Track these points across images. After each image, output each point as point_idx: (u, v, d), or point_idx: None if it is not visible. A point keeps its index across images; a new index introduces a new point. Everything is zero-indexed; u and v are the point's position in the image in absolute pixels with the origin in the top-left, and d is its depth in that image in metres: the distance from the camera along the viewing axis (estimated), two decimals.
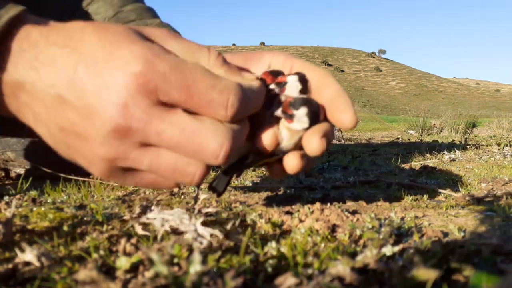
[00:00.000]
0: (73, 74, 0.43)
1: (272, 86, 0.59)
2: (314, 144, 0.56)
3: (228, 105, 0.46)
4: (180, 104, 0.45)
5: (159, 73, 0.43)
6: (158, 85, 0.43)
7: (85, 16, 0.80)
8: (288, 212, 0.74)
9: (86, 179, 0.99)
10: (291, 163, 0.59)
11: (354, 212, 0.77)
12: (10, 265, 0.46)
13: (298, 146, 0.60)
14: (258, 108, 0.53)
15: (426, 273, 0.37)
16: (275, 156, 0.60)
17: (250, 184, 1.09)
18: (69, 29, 0.45)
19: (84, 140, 0.45)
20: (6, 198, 0.83)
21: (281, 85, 0.58)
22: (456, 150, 2.08)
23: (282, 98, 0.59)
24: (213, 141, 0.46)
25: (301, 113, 0.56)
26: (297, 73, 0.60)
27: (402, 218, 0.72)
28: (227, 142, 0.47)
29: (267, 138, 0.57)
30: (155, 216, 0.59)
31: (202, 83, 0.45)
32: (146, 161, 0.47)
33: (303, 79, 0.59)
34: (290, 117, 0.56)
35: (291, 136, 0.58)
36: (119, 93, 0.42)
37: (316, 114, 0.58)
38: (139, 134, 0.44)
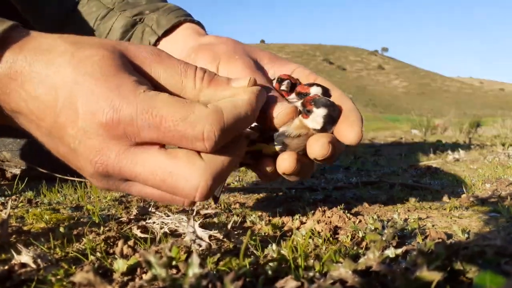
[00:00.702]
0: (55, 114, 0.44)
1: (291, 97, 0.58)
2: (318, 146, 0.53)
3: (204, 137, 0.43)
4: (156, 142, 0.44)
5: (125, 118, 0.42)
6: (126, 129, 0.43)
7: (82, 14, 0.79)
8: (289, 214, 0.73)
9: (82, 179, 0.99)
10: (285, 162, 0.55)
11: (356, 214, 0.76)
12: (6, 267, 0.45)
13: (300, 147, 0.56)
14: (252, 122, 0.49)
15: (430, 275, 0.37)
16: (271, 144, 0.56)
17: (250, 185, 1.08)
18: (50, 53, 0.45)
19: (78, 168, 0.47)
20: (2, 199, 0.83)
21: (302, 95, 0.56)
22: (460, 150, 2.07)
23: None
24: (186, 184, 0.44)
25: (319, 113, 0.53)
26: (318, 85, 0.58)
27: (405, 220, 0.71)
28: (203, 183, 0.44)
29: (284, 109, 0.53)
30: (155, 221, 0.58)
31: (171, 118, 0.43)
32: (135, 191, 0.48)
33: (326, 92, 0.58)
34: (307, 112, 0.54)
35: (299, 127, 0.54)
36: (93, 140, 0.43)
37: (333, 120, 0.55)
38: (119, 175, 0.45)
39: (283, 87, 0.58)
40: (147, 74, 0.47)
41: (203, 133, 0.43)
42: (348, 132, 0.54)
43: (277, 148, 0.56)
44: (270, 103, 0.54)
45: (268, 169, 0.57)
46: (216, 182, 0.45)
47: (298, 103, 0.55)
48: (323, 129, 0.54)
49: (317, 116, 0.53)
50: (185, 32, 0.71)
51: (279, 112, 0.53)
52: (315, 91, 0.56)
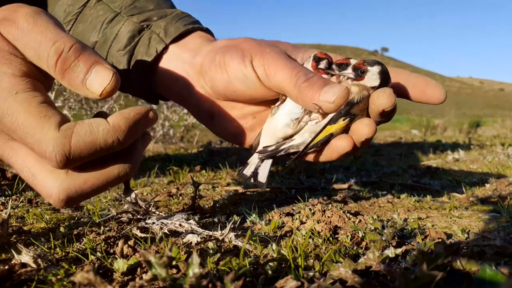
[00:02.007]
0: None
1: (348, 71, 0.58)
2: (385, 96, 0.53)
3: (46, 156, 0.45)
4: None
5: None
6: (0, 126, 0.47)
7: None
8: (289, 214, 0.73)
9: None
10: (368, 127, 0.54)
11: (356, 214, 0.76)
12: (7, 267, 0.45)
13: (363, 112, 0.57)
14: (123, 145, 0.48)
15: (429, 275, 0.37)
16: (339, 122, 0.56)
17: (250, 185, 1.08)
18: None
19: None
20: (2, 198, 0.83)
21: (359, 69, 0.58)
22: (460, 150, 2.07)
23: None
24: (43, 190, 0.48)
25: (374, 70, 0.56)
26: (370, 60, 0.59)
27: (405, 220, 0.71)
28: (55, 196, 0.47)
29: (339, 93, 0.54)
30: (155, 221, 0.58)
31: (23, 129, 0.44)
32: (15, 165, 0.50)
33: (381, 64, 0.59)
34: (362, 73, 0.57)
35: (360, 92, 0.56)
36: None
37: (387, 76, 0.57)
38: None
39: (321, 66, 0.60)
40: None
41: (45, 153, 0.44)
42: (436, 92, 0.56)
43: (346, 121, 0.56)
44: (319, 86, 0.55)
45: (344, 144, 0.56)
46: (73, 198, 0.48)
47: (349, 70, 0.57)
48: (381, 86, 0.56)
49: (373, 73, 0.56)
50: (194, 40, 0.70)
51: (336, 97, 0.54)
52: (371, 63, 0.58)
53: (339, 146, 0.57)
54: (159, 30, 0.71)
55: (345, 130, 0.58)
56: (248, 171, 0.65)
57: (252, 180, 0.64)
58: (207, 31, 0.74)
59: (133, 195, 0.59)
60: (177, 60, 0.69)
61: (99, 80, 0.46)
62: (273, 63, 0.58)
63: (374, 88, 0.56)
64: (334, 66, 0.60)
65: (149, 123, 0.49)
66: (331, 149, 0.58)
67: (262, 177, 0.64)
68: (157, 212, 0.60)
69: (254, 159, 0.65)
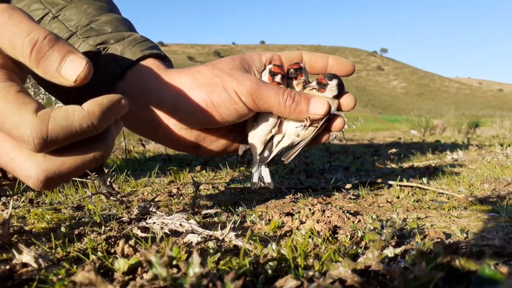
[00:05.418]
0: None
1: (313, 84, 0.74)
2: (350, 99, 0.75)
3: (24, 140, 0.46)
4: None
5: None
6: None
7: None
8: (288, 213, 0.74)
9: (83, 179, 0.99)
10: (339, 121, 0.77)
11: (355, 213, 0.76)
12: (8, 267, 0.46)
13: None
14: (96, 130, 0.49)
15: (428, 275, 0.37)
16: (323, 120, 0.73)
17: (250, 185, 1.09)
18: None
19: None
20: (4, 198, 0.83)
21: (322, 84, 0.74)
22: (458, 150, 2.07)
23: (296, 82, 0.76)
24: (21, 173, 0.48)
25: (333, 83, 0.73)
26: (330, 74, 0.76)
27: (404, 219, 0.71)
28: (34, 178, 0.48)
29: (323, 105, 0.72)
30: (155, 221, 0.58)
31: (1, 115, 0.45)
32: None
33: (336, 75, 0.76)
34: (323, 87, 0.73)
35: (333, 102, 0.74)
36: None
37: (342, 86, 0.74)
38: None
39: (277, 79, 0.73)
40: None
41: (23, 137, 0.45)
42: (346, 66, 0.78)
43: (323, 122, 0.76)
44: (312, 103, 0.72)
45: (327, 137, 0.80)
46: (52, 179, 0.49)
47: (314, 83, 0.74)
48: (339, 94, 0.74)
49: (332, 86, 0.73)
50: (148, 67, 0.71)
51: (324, 109, 0.72)
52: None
53: (325, 137, 0.79)
54: (115, 55, 0.70)
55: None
56: (255, 179, 0.80)
57: (262, 184, 0.79)
58: (164, 57, 0.75)
59: (107, 178, 0.60)
60: (135, 87, 0.70)
61: (73, 67, 0.47)
62: (260, 96, 0.69)
63: (335, 97, 0.74)
64: (292, 70, 0.75)
65: (121, 109, 0.51)
66: (319, 140, 0.79)
67: (267, 178, 0.80)
68: (158, 212, 0.61)
69: (254, 168, 0.80)
